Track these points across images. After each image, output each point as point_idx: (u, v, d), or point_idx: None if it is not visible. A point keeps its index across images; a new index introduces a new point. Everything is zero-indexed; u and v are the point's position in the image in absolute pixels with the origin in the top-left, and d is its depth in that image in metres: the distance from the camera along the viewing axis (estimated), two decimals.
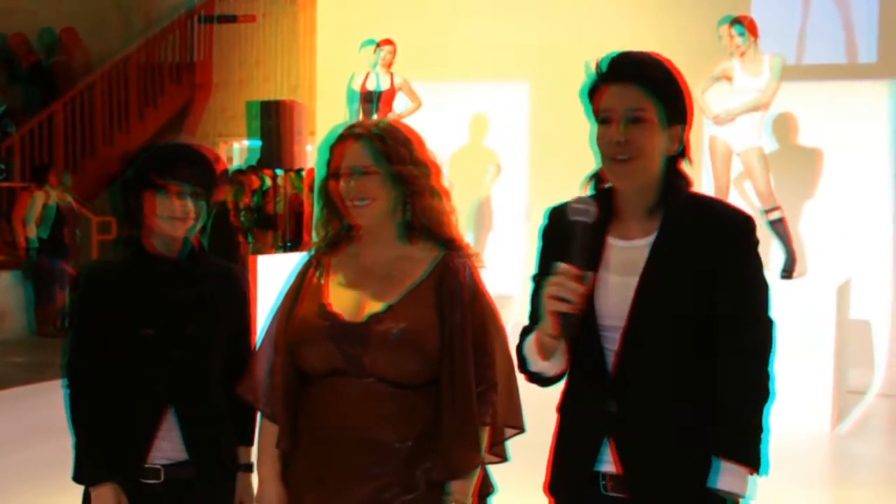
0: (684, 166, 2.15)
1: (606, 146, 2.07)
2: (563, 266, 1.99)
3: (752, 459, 2.04)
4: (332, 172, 2.33)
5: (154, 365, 2.55)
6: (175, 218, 2.53)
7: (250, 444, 2.72)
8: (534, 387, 2.24)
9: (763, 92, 7.29)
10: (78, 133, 13.12)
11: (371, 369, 2.28)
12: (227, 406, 2.62)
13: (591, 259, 2.05)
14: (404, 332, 2.27)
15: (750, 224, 2.10)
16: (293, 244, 11.35)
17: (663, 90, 2.07)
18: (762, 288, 2.09)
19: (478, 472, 2.32)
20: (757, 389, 2.05)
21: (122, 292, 2.57)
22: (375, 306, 2.31)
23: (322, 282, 2.39)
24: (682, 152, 2.12)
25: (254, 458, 2.68)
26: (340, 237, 2.41)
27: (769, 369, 2.07)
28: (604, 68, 2.09)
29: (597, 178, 2.18)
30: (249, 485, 2.71)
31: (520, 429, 2.39)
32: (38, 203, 10.64)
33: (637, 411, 2.08)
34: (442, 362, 2.28)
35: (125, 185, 2.61)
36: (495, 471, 2.43)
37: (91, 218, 11.87)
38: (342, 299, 2.34)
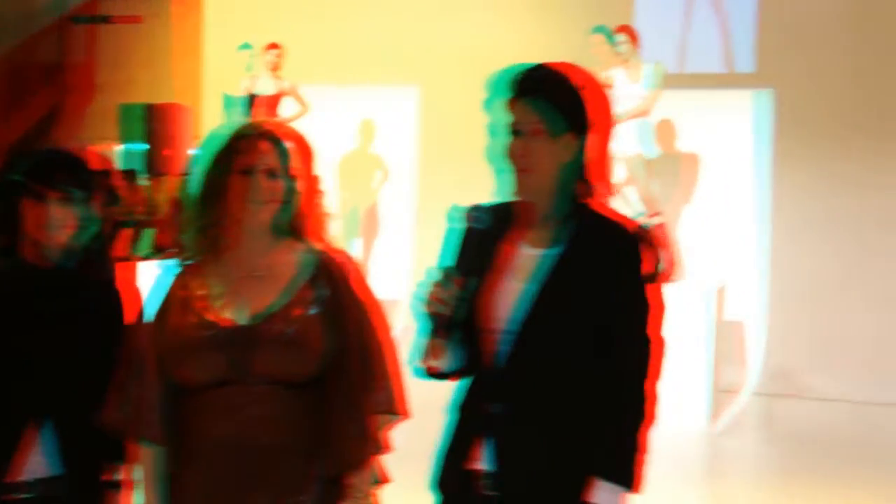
0: (605, 174, 2.18)
1: (508, 158, 2.13)
2: (443, 269, 2.07)
3: (624, 479, 2.10)
4: (242, 170, 2.27)
5: (27, 378, 2.46)
6: (55, 226, 2.44)
7: (121, 460, 2.58)
8: (428, 385, 2.29)
9: (643, 99, 7.50)
10: None
11: (259, 372, 2.26)
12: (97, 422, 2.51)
13: (479, 263, 2.11)
14: (292, 332, 2.26)
15: (635, 240, 2.14)
16: (167, 250, 11.19)
17: (560, 103, 2.12)
18: (643, 307, 2.14)
19: (372, 462, 2.34)
20: (631, 410, 2.12)
21: None
22: (258, 309, 2.28)
23: (193, 292, 2.33)
24: (582, 162, 2.15)
25: (126, 475, 2.59)
26: (215, 243, 2.33)
27: (652, 391, 2.13)
28: (505, 82, 2.16)
29: (495, 188, 2.22)
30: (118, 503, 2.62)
31: (406, 415, 2.38)
32: None
33: (519, 413, 2.13)
34: (329, 357, 2.29)
35: (1, 193, 2.50)
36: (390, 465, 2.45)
37: None
38: (220, 306, 2.30)
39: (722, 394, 7.63)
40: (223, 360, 2.26)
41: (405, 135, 9.73)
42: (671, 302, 7.12)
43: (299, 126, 8.00)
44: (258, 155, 2.28)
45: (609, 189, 2.19)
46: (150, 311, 2.37)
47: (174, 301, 2.33)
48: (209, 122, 10.37)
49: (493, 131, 2.17)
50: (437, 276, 2.07)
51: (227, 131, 2.35)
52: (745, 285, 8.44)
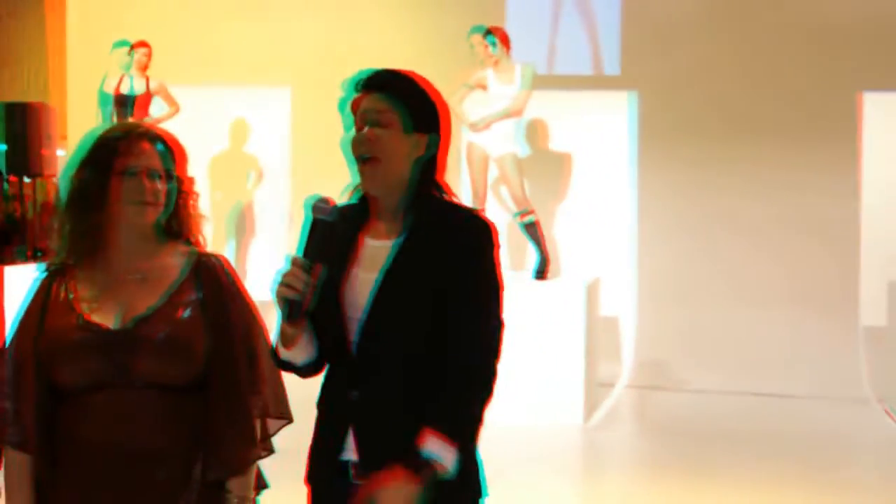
0: (444, 175, 2.28)
1: (353, 146, 2.22)
2: (294, 257, 2.12)
3: (460, 437, 2.13)
4: (123, 171, 2.24)
5: None
6: None
7: None
8: (302, 382, 2.31)
9: (515, 99, 7.59)
10: None
11: (139, 375, 2.23)
12: None
13: (329, 252, 2.16)
14: (172, 334, 2.25)
15: (487, 229, 2.22)
16: (43, 253, 10.81)
17: (407, 99, 2.22)
18: (492, 289, 2.21)
19: (254, 466, 2.34)
20: (478, 380, 2.17)
21: None
22: (139, 311, 2.26)
23: (72, 294, 2.29)
24: (432, 160, 2.25)
25: None
26: (92, 246, 2.30)
27: (493, 367, 2.19)
28: (356, 82, 2.25)
29: (356, 187, 2.29)
30: None
31: (288, 419, 2.39)
32: None
33: (374, 399, 2.19)
34: (211, 361, 2.28)
35: None
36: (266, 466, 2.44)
37: None
38: (100, 309, 2.27)
39: (597, 387, 7.79)
40: (102, 362, 2.23)
41: (278, 135, 9.65)
42: (546, 298, 7.24)
43: (169, 126, 7.86)
44: (139, 156, 2.27)
45: (449, 189, 2.29)
46: (28, 314, 2.32)
47: (53, 303, 2.30)
48: (75, 121, 10.08)
49: (347, 128, 2.25)
50: (289, 263, 2.11)
51: (103, 132, 2.32)
52: (618, 281, 8.62)
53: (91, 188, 2.26)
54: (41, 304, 2.31)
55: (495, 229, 2.25)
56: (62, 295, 2.30)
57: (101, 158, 2.26)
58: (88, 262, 2.31)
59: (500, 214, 8.33)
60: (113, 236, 2.29)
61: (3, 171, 10.55)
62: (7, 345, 2.33)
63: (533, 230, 7.62)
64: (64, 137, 10.41)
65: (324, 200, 2.16)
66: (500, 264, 2.25)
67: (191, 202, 2.38)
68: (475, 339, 2.18)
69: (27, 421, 2.27)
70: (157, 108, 8.73)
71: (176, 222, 2.35)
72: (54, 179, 11.60)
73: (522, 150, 8.16)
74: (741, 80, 8.61)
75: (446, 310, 2.17)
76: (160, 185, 2.28)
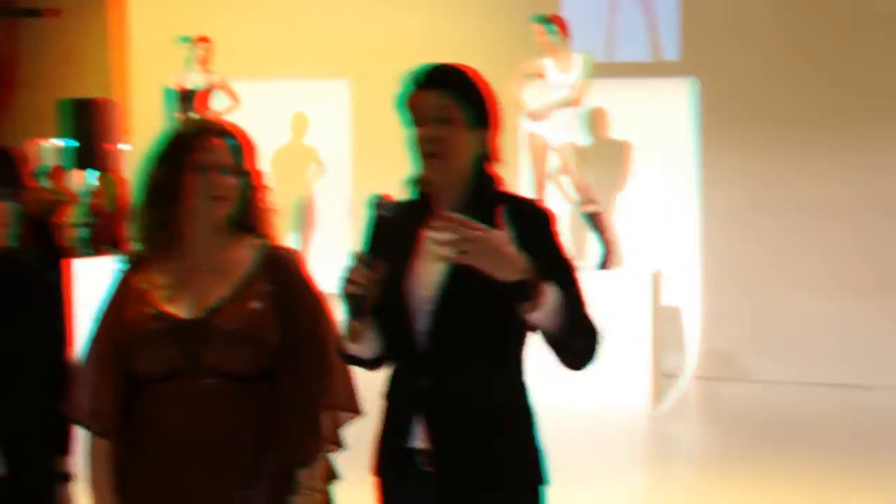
0: (497, 167, 2.30)
1: (419, 143, 2.22)
2: (357, 253, 2.14)
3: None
4: (197, 167, 2.29)
5: None
6: None
7: (67, 452, 2.63)
8: (368, 375, 2.32)
9: (574, 88, 7.53)
10: None
11: (210, 365, 2.27)
12: (42, 416, 2.53)
13: (392, 248, 2.19)
14: (244, 324, 2.29)
15: (549, 216, 2.26)
16: (112, 247, 10.98)
17: (469, 96, 2.24)
18: (574, 269, 2.24)
19: (323, 457, 2.36)
20: (594, 332, 2.20)
21: None
22: (211, 301, 2.31)
23: (148, 285, 2.35)
24: (489, 154, 2.28)
25: (72, 467, 2.62)
26: (167, 239, 2.36)
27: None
28: (415, 79, 2.26)
29: (417, 181, 2.31)
30: (69, 495, 2.63)
31: (357, 412, 2.42)
32: None
33: (445, 387, 2.21)
34: (281, 352, 2.31)
35: None
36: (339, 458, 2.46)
37: None
38: (174, 299, 2.32)
39: (662, 378, 7.72)
40: (175, 351, 2.28)
41: (337, 127, 9.69)
42: (611, 288, 7.19)
43: (230, 120, 7.91)
44: (212, 152, 2.31)
45: (502, 180, 2.32)
46: (109, 305, 2.38)
47: (130, 294, 2.35)
48: (137, 116, 10.20)
49: (407, 124, 2.27)
50: (353, 260, 2.13)
51: (177, 129, 2.38)
52: (682, 270, 8.52)
53: (166, 184, 2.31)
54: (120, 295, 2.37)
55: (555, 216, 2.27)
56: (139, 286, 2.35)
57: (174, 155, 2.32)
58: (164, 254, 2.36)
59: (561, 204, 8.29)
60: (187, 230, 2.35)
61: (71, 165, 10.72)
62: (90, 335, 2.38)
63: (596, 220, 7.56)
64: (127, 132, 10.56)
65: (384, 197, 2.19)
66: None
67: (261, 196, 2.41)
68: (582, 310, 2.19)
69: (108, 409, 2.33)
70: (217, 103, 8.80)
71: (247, 216, 2.39)
72: (120, 174, 11.79)
73: (583, 140, 8.09)
74: (803, 64, 8.45)
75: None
76: (231, 181, 2.32)
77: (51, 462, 2.60)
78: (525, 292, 2.05)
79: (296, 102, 9.74)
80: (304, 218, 9.67)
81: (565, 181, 8.06)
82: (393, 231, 2.18)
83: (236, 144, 2.35)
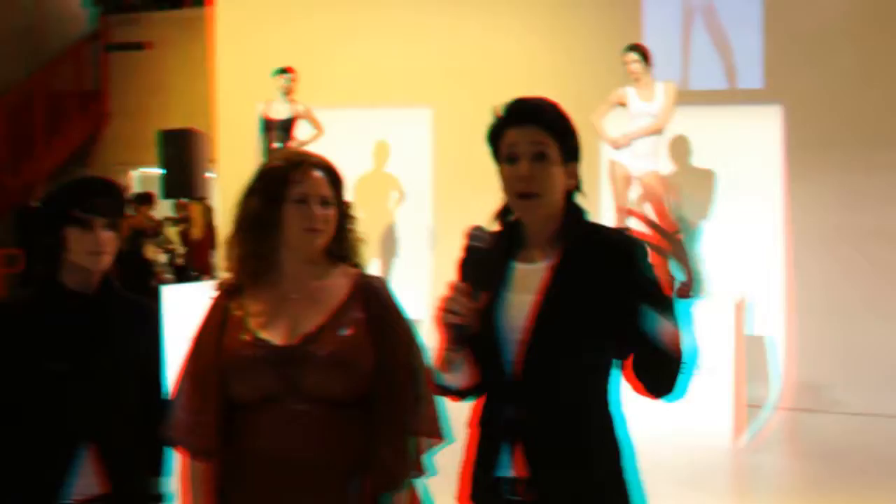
0: (579, 198, 2.32)
1: (514, 182, 2.23)
2: (456, 283, 2.16)
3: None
4: (297, 199, 2.35)
5: (68, 400, 2.53)
6: (98, 252, 2.54)
7: (163, 474, 2.73)
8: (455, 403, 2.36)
9: (658, 117, 7.50)
10: None
11: (307, 391, 2.32)
12: (139, 438, 2.63)
13: (486, 280, 2.20)
14: (339, 351, 2.34)
15: (641, 245, 2.24)
16: (200, 273, 11.22)
17: (560, 130, 2.25)
18: (670, 301, 2.22)
19: (411, 483, 2.41)
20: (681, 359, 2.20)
21: (33, 327, 2.55)
22: (307, 329, 2.36)
23: (244, 313, 2.41)
24: (579, 186, 2.30)
25: (166, 488, 2.72)
26: (264, 268, 2.42)
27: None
28: (505, 114, 2.26)
29: (503, 213, 2.34)
30: None
31: (446, 439, 2.45)
32: None
33: (536, 416, 2.22)
34: (374, 378, 2.36)
35: (41, 222, 2.59)
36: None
37: None
38: (271, 326, 2.38)
39: (748, 409, 7.59)
40: (272, 377, 2.33)
41: (419, 155, 9.78)
42: (693, 317, 7.05)
43: (314, 149, 8.05)
44: (312, 184, 2.37)
45: (588, 213, 2.33)
46: (207, 330, 2.44)
47: (229, 321, 2.41)
48: (223, 145, 10.43)
49: (496, 159, 2.28)
50: (451, 291, 2.15)
51: (273, 162, 2.45)
52: (767, 300, 8.39)
53: (264, 215, 2.38)
54: (219, 321, 2.43)
55: (645, 247, 2.25)
56: (237, 313, 2.41)
57: (272, 187, 2.38)
58: (261, 282, 2.42)
59: (642, 233, 8.24)
60: (284, 259, 2.41)
61: (161, 193, 10.99)
62: (188, 359, 2.45)
63: (678, 249, 7.48)
64: (213, 161, 10.79)
65: (481, 229, 2.21)
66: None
67: (352, 226, 2.47)
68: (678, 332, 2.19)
69: (208, 431, 2.38)
70: (302, 132, 8.95)
71: (340, 245, 2.45)
72: (208, 202, 12.05)
73: (665, 168, 8.04)
74: (887, 87, 8.29)
75: (613, 326, 2.19)
76: (329, 212, 2.38)
77: (149, 483, 2.70)
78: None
79: (378, 130, 9.86)
80: (386, 244, 9.76)
81: (647, 209, 8.01)
82: (483, 261, 2.19)
83: (330, 176, 2.40)
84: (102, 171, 13.72)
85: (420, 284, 9.05)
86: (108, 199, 2.58)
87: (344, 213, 2.44)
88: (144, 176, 14.35)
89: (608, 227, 2.37)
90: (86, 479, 2.55)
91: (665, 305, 2.18)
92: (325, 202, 2.38)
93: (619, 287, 2.17)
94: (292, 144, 8.77)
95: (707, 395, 6.67)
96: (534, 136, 2.22)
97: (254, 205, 2.39)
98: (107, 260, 2.57)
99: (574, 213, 2.29)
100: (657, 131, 7.60)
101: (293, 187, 2.36)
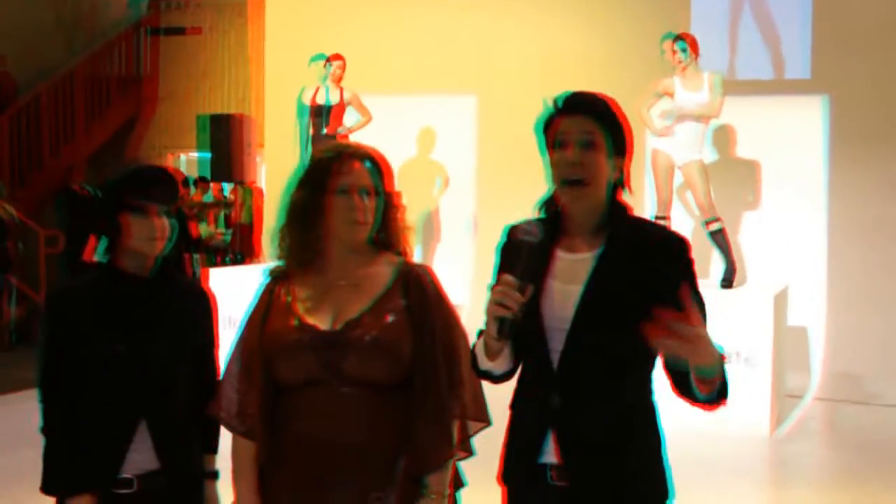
0: (624, 195, 2.37)
1: (562, 168, 2.28)
2: (506, 277, 2.20)
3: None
4: (339, 190, 2.42)
5: (126, 379, 2.63)
6: (154, 238, 2.64)
7: (215, 451, 2.83)
8: (493, 385, 2.41)
9: (703, 106, 7.49)
10: (24, 146, 13.01)
11: (348, 375, 2.39)
12: (193, 416, 2.72)
13: (534, 272, 2.25)
14: (380, 337, 2.40)
15: (685, 245, 2.31)
16: (243, 257, 11.36)
17: (611, 123, 2.30)
18: (702, 302, 2.27)
19: (451, 464, 2.47)
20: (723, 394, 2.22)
21: (94, 310, 2.65)
22: (350, 314, 2.43)
23: (290, 298, 2.48)
24: (623, 181, 2.35)
25: (218, 465, 2.82)
26: (310, 256, 2.49)
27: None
28: (558, 104, 2.31)
29: (548, 201, 2.39)
30: (216, 492, 2.82)
31: (486, 422, 2.53)
32: None
33: (578, 405, 2.28)
34: (414, 363, 2.43)
35: (99, 208, 2.70)
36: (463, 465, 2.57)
37: (38, 231, 11.75)
38: (316, 311, 2.45)
39: (785, 399, 7.60)
40: (315, 361, 2.40)
41: (464, 142, 9.82)
42: (734, 306, 7.11)
43: (362, 135, 8.14)
44: (353, 175, 2.43)
45: (629, 205, 2.37)
46: (254, 315, 2.52)
47: (276, 306, 2.49)
48: (271, 130, 10.55)
49: (543, 148, 2.33)
50: (501, 282, 2.20)
51: (318, 153, 2.52)
52: (808, 289, 8.38)
53: (308, 206, 2.45)
54: (265, 305, 2.51)
55: (689, 245, 2.33)
56: (283, 298, 2.50)
57: (316, 178, 2.46)
58: (307, 269, 2.50)
59: (685, 221, 8.25)
60: (328, 247, 2.49)
61: (208, 177, 11.14)
62: (236, 341, 2.55)
63: (720, 238, 7.51)
64: (261, 146, 10.92)
65: (529, 223, 2.27)
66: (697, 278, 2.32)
67: (398, 215, 2.54)
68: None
69: (253, 412, 2.47)
70: (350, 118, 9.02)
71: (385, 234, 2.52)
72: (255, 186, 12.20)
73: (708, 157, 8.04)
74: None
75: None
76: (370, 202, 2.45)
77: (201, 460, 2.80)
78: (710, 377, 2.10)
79: (424, 117, 9.92)
80: (429, 231, 9.83)
81: (690, 198, 8.03)
82: (531, 254, 2.24)
83: (373, 166, 2.46)
84: (145, 155, 13.96)
85: (462, 270, 9.12)
86: (163, 186, 2.67)
87: (389, 203, 2.50)
88: (188, 159, 14.54)
89: (652, 223, 2.42)
90: (141, 454, 2.64)
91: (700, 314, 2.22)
92: (367, 192, 2.43)
93: (662, 282, 2.22)
94: (340, 130, 8.86)
95: (746, 385, 6.70)
96: (584, 125, 2.26)
97: (300, 195, 2.47)
98: (162, 245, 2.66)
99: (618, 206, 2.34)
100: (704, 121, 7.59)
101: (336, 178, 2.42)
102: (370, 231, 2.47)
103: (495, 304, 2.18)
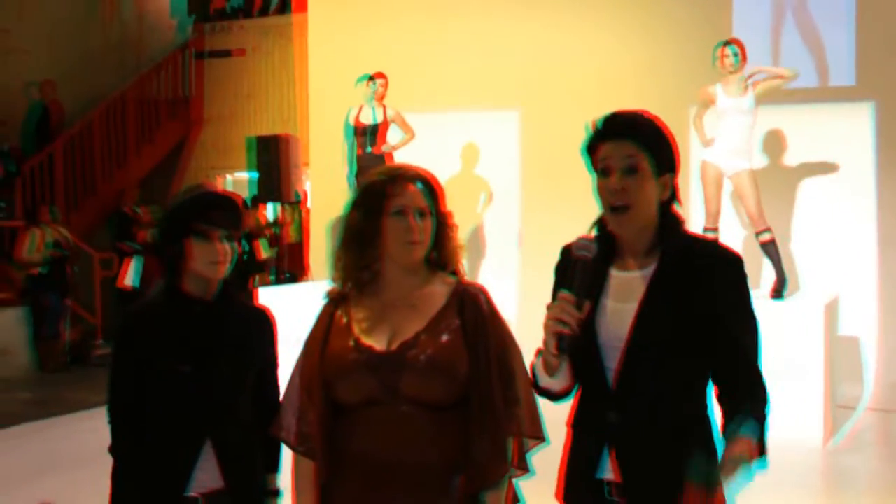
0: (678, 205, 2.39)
1: (606, 195, 2.32)
2: (562, 294, 2.24)
3: (759, 437, 2.19)
4: (395, 212, 2.46)
5: (191, 400, 2.70)
6: (217, 262, 2.72)
7: (277, 470, 2.89)
8: (551, 404, 2.45)
9: (749, 114, 7.45)
10: (77, 170, 13.24)
11: (405, 395, 2.42)
12: (254, 437, 2.79)
13: (590, 289, 2.29)
14: (436, 357, 2.43)
15: (739, 262, 2.33)
16: (292, 276, 11.45)
17: (654, 144, 2.31)
18: (754, 319, 2.30)
19: (508, 481, 2.49)
20: (760, 393, 2.27)
21: (160, 333, 2.72)
22: (406, 335, 2.46)
23: (347, 319, 2.52)
24: (674, 197, 2.36)
25: (280, 484, 2.88)
26: (367, 277, 2.53)
27: (763, 381, 2.29)
28: (600, 127, 2.34)
29: (600, 222, 2.42)
30: None
31: (542, 439, 2.53)
32: (36, 240, 10.71)
33: (634, 422, 2.31)
34: (470, 382, 2.45)
35: (163, 233, 2.77)
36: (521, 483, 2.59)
37: (92, 254, 11.96)
38: (372, 332, 2.49)
39: (838, 410, 7.50)
40: (373, 381, 2.44)
41: (508, 157, 9.84)
42: (785, 317, 7.03)
43: (406, 152, 8.19)
44: (408, 197, 2.47)
45: (682, 217, 2.39)
46: (314, 336, 2.57)
47: (335, 327, 2.53)
48: (316, 150, 10.63)
49: (591, 171, 2.36)
50: (559, 299, 2.24)
51: (372, 176, 2.55)
52: (860, 299, 8.28)
53: (364, 228, 2.49)
54: (325, 328, 2.55)
55: (742, 262, 2.34)
56: (342, 320, 2.54)
57: (371, 201, 2.49)
58: (364, 290, 2.55)
59: (735, 231, 8.19)
60: (384, 269, 2.53)
61: (254, 198, 11.25)
62: (295, 363, 2.59)
63: (771, 248, 7.44)
64: (306, 164, 11.01)
65: (584, 240, 2.30)
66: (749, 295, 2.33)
67: (452, 235, 2.57)
68: (749, 358, 2.27)
69: (313, 432, 2.51)
70: (393, 136, 9.08)
71: (439, 254, 2.56)
72: (302, 206, 12.30)
73: (757, 165, 7.98)
74: None
75: (705, 338, 2.25)
76: (426, 223, 2.49)
77: (264, 479, 2.86)
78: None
79: (467, 133, 9.95)
80: (474, 246, 9.85)
81: (739, 208, 7.97)
82: (587, 271, 2.27)
83: (427, 188, 2.50)
84: (193, 176, 14.15)
85: (508, 285, 9.12)
86: (226, 211, 2.75)
87: (443, 223, 2.53)
88: (235, 180, 14.69)
89: (705, 240, 2.42)
90: (206, 474, 2.71)
91: (750, 334, 2.26)
92: (422, 214, 2.47)
93: (715, 299, 2.24)
94: (384, 149, 8.91)
95: (798, 396, 6.63)
96: (626, 150, 2.28)
97: (356, 218, 2.50)
98: (224, 269, 2.73)
99: (670, 224, 2.35)
100: (749, 129, 7.54)
101: (391, 200, 2.46)
102: (425, 251, 2.50)
103: (553, 320, 2.22)
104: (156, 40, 15.31)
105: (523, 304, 8.86)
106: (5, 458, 6.92)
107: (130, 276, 10.38)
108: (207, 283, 2.76)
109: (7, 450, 7.19)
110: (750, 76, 7.52)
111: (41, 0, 13.77)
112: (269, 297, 8.16)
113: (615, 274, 2.37)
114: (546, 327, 2.24)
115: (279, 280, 10.97)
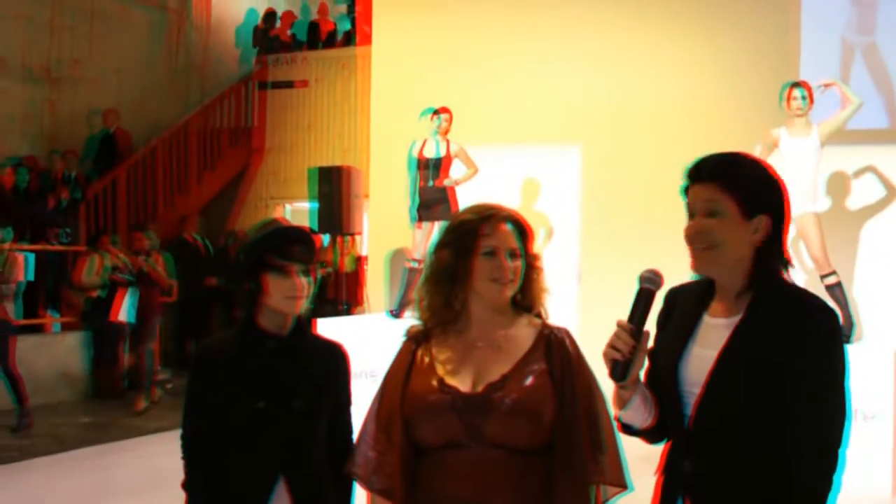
0: (786, 251, 2.32)
1: (687, 237, 2.30)
2: (620, 321, 2.24)
3: None
4: (486, 252, 2.43)
5: (265, 435, 2.68)
6: (295, 297, 2.70)
7: None
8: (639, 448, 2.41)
9: (814, 156, 7.34)
10: (140, 198, 13.44)
11: (490, 438, 2.38)
12: (328, 473, 2.76)
13: (666, 327, 2.30)
14: (522, 400, 2.39)
15: (833, 319, 2.24)
16: (350, 307, 11.47)
17: (742, 185, 2.26)
18: (837, 382, 2.22)
19: None
20: (822, 482, 2.18)
21: (235, 367, 2.71)
22: (492, 377, 2.42)
23: (430, 359, 2.49)
24: (772, 240, 2.28)
25: None
26: (452, 316, 2.50)
27: (836, 461, 2.20)
28: (689, 170, 2.32)
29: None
30: None
31: (625, 487, 2.47)
32: (95, 264, 10.81)
33: (709, 471, 2.26)
34: (556, 427, 2.40)
35: (240, 269, 2.76)
36: None
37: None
38: (457, 373, 2.45)
39: None
40: (458, 424, 2.40)
41: (568, 192, 9.79)
42: (851, 362, 6.81)
43: (468, 186, 8.14)
44: (501, 237, 2.45)
45: (791, 262, 2.33)
46: (395, 374, 2.54)
47: (417, 366, 2.50)
48: (376, 181, 10.67)
49: (688, 213, 2.34)
50: (616, 325, 2.25)
51: (464, 215, 2.53)
52: None
53: (456, 267, 2.47)
54: (407, 366, 2.52)
55: (836, 315, 2.25)
56: (424, 359, 2.50)
57: (463, 240, 2.47)
58: (449, 330, 2.51)
59: (798, 273, 8.04)
60: (471, 308, 2.50)
61: (315, 228, 11.30)
62: (376, 400, 2.56)
63: (837, 292, 7.29)
64: (367, 196, 11.05)
65: (654, 272, 2.29)
66: (843, 354, 2.24)
67: (538, 277, 2.55)
68: (820, 435, 2.19)
69: (393, 471, 2.47)
70: (456, 170, 9.07)
71: (526, 296, 2.53)
72: (360, 237, 12.33)
73: (822, 208, 7.84)
74: None
75: (788, 396, 2.19)
76: (516, 264, 2.46)
77: None
78: None
79: (527, 168, 9.93)
80: None
81: (804, 251, 7.83)
82: (646, 297, 2.27)
83: (517, 229, 2.48)
84: (253, 206, 14.28)
85: (566, 322, 9.03)
86: (303, 246, 2.74)
87: (531, 265, 2.51)
88: (294, 210, 14.79)
89: (804, 291, 2.33)
90: None
91: (826, 395, 2.18)
92: (513, 254, 2.45)
93: (798, 355, 2.18)
94: (447, 183, 8.90)
95: (867, 445, 6.46)
96: (708, 194, 2.26)
97: (446, 257, 2.48)
98: (300, 304, 2.72)
99: (763, 269, 2.28)
100: (813, 171, 7.42)
101: (483, 240, 2.44)
102: (514, 292, 2.47)
103: (609, 347, 2.23)
104: (220, 71, 15.56)
105: (581, 342, 8.76)
106: (64, 482, 6.97)
107: (125, 309, 10.32)
108: (283, 318, 2.75)
109: (65, 474, 7.24)
110: (826, 85, 7.44)
111: (111, 31, 14.05)
112: (327, 328, 8.15)
113: (706, 320, 2.34)
114: (603, 354, 2.25)
115: (337, 311, 10.97)
